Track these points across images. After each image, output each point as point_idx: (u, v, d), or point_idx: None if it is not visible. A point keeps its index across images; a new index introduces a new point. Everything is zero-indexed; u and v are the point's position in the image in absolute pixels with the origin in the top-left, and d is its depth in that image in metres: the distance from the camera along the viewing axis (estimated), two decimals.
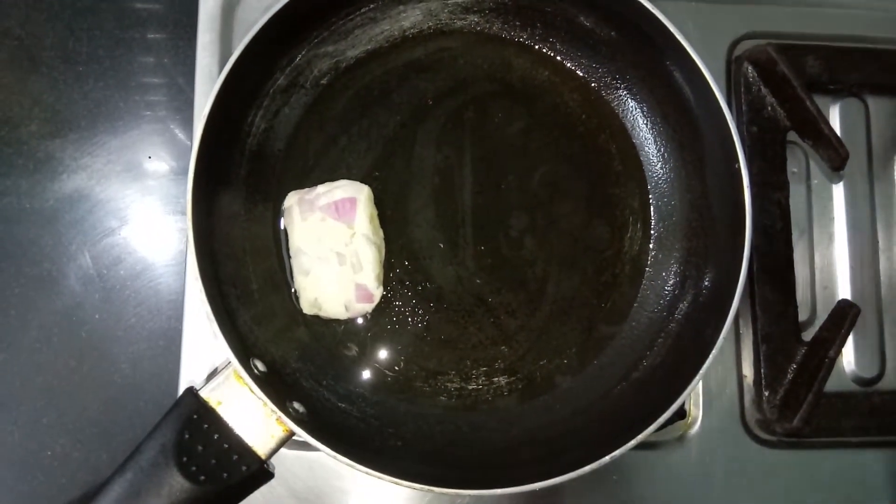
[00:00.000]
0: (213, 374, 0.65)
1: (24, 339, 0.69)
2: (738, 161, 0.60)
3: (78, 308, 0.69)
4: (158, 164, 0.72)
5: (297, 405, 0.60)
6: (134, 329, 0.70)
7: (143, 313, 0.70)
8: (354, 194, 0.64)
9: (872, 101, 0.76)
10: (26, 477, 0.67)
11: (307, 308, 0.64)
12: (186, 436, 0.54)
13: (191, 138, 0.70)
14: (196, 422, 0.54)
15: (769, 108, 0.73)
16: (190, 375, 0.66)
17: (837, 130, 0.73)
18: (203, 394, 0.57)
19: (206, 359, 0.66)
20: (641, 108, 0.70)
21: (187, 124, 0.72)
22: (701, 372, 0.58)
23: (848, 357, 0.73)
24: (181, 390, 0.66)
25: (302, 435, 0.56)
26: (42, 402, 0.68)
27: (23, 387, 0.68)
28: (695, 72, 0.62)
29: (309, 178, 0.67)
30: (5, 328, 0.69)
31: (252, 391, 0.56)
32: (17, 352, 0.68)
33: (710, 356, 0.58)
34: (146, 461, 0.52)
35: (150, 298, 0.70)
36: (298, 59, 0.66)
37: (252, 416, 0.57)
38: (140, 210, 0.72)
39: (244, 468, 0.55)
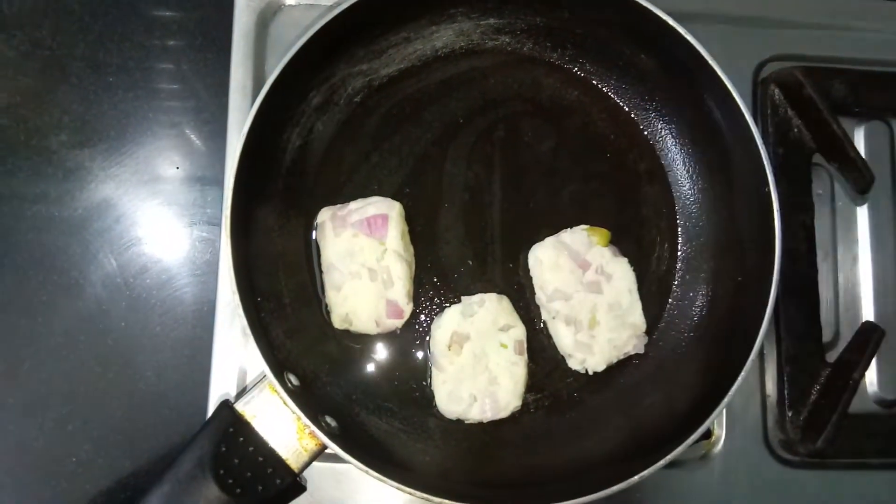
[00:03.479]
0: (244, 388, 0.65)
1: (50, 345, 0.69)
2: (767, 185, 0.61)
3: (104, 316, 0.70)
4: (185, 174, 0.73)
5: (328, 419, 0.61)
6: (159, 337, 0.70)
7: (168, 322, 0.70)
8: (386, 211, 0.65)
9: None
10: (51, 482, 0.67)
11: (338, 323, 0.65)
12: (223, 448, 0.54)
13: (218, 150, 0.71)
14: (232, 435, 0.55)
15: (795, 131, 0.74)
16: (220, 387, 0.66)
17: (863, 153, 0.74)
18: (238, 407, 0.57)
19: (235, 371, 0.67)
20: (670, 129, 0.71)
21: (215, 136, 0.72)
22: (729, 394, 0.59)
23: (871, 378, 0.73)
24: (212, 402, 0.66)
25: (334, 449, 0.56)
26: (67, 408, 0.68)
27: (48, 393, 0.68)
28: (725, 94, 0.63)
29: (341, 193, 0.68)
30: (32, 334, 0.69)
31: (286, 404, 0.57)
32: (43, 358, 0.69)
33: (739, 379, 0.59)
34: (184, 473, 0.53)
35: (175, 307, 0.71)
36: (333, 77, 0.67)
37: (285, 430, 0.58)
38: (166, 220, 0.72)
39: (278, 481, 0.56)
